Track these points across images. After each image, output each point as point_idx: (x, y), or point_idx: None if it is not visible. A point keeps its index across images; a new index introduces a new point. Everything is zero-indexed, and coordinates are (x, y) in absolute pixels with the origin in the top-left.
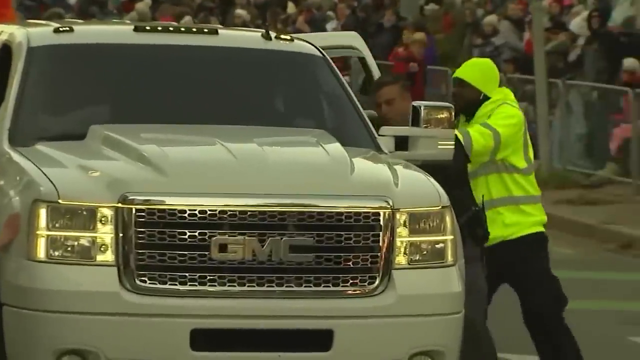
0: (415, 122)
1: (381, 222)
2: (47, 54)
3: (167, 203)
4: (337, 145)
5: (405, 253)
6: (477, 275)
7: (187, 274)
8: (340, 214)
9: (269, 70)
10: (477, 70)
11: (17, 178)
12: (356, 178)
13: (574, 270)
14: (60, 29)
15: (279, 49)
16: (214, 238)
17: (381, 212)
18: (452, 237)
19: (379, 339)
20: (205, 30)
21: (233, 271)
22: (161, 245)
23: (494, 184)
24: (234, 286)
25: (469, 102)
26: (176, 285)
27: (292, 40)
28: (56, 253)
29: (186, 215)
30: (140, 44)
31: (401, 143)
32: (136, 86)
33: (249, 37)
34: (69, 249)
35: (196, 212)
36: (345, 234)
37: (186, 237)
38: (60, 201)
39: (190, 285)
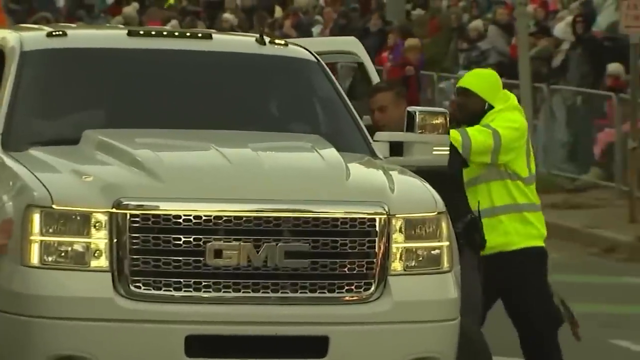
0: (410, 127)
1: (377, 228)
2: (40, 58)
3: (161, 208)
4: (333, 150)
5: (401, 259)
6: (473, 283)
7: (181, 280)
8: (336, 219)
9: (263, 75)
10: (483, 80)
11: (10, 183)
12: (352, 184)
13: (558, 274)
14: (54, 33)
15: (273, 53)
16: (209, 244)
17: (377, 217)
18: (448, 243)
19: (375, 346)
20: (199, 34)
21: (228, 277)
22: (156, 250)
23: (497, 191)
24: (229, 292)
25: (473, 113)
26: (171, 291)
27: (286, 45)
28: (50, 259)
29: (181, 220)
30: (134, 49)
31: (396, 149)
32: (130, 91)
33: (243, 42)
34: (63, 254)
35: (191, 217)
36: (341, 239)
37: (181, 242)
38: (53, 206)
39: (185, 291)
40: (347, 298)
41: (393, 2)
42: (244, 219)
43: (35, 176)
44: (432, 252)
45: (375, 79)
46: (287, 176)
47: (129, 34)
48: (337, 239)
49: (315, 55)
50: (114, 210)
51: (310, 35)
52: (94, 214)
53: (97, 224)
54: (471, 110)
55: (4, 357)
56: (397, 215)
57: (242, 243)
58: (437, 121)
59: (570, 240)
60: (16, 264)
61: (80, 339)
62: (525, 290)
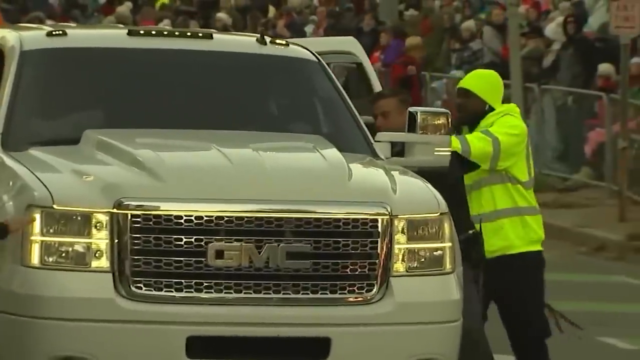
0: (412, 128)
1: (379, 229)
2: (40, 57)
3: (162, 208)
4: (334, 150)
5: (403, 260)
6: (471, 296)
7: (183, 281)
8: (338, 220)
9: (264, 75)
10: (484, 81)
11: (10, 183)
12: (354, 184)
13: (548, 273)
14: (53, 32)
15: (274, 53)
16: (210, 244)
17: (379, 218)
18: (450, 244)
19: (377, 347)
20: (200, 34)
21: (229, 278)
22: (157, 251)
23: (499, 194)
24: (231, 293)
25: (473, 113)
26: (172, 292)
27: (287, 45)
28: (50, 259)
29: (182, 221)
30: (134, 48)
31: (397, 149)
32: (130, 91)
33: (244, 42)
34: (64, 254)
35: (192, 217)
36: (343, 240)
37: (182, 243)
38: (54, 206)
39: (186, 292)
40: (349, 299)
41: (386, 3)
42: (246, 219)
43: (36, 176)
44: (435, 253)
45: (374, 79)
46: (289, 176)
47: (129, 33)
48: (339, 239)
49: (316, 55)
50: (114, 210)
51: (303, 35)
52: (94, 214)
53: (97, 224)
54: (471, 111)
55: (5, 358)
56: (399, 216)
57: (243, 244)
58: (439, 122)
59: (560, 239)
60: (17, 264)
61: (81, 339)
62: (521, 294)
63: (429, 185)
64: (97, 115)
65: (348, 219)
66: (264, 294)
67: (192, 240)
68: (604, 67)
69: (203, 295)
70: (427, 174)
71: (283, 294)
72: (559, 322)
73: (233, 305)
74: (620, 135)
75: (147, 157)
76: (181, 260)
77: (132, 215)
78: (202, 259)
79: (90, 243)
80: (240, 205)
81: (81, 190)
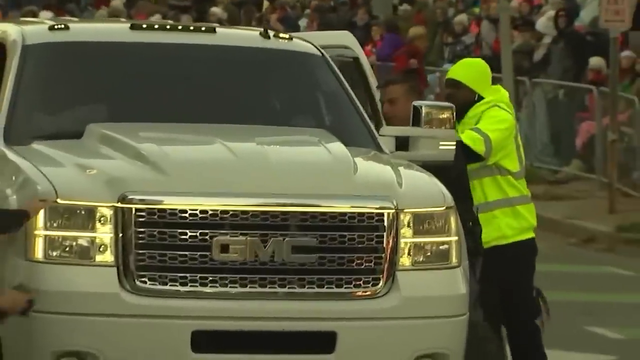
0: (416, 122)
1: (385, 223)
2: (42, 51)
3: (167, 202)
4: (339, 144)
5: (409, 254)
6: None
7: (187, 275)
8: (344, 214)
9: (268, 69)
10: (473, 70)
11: (13, 177)
12: (359, 178)
13: (538, 264)
14: (56, 26)
15: (277, 47)
16: (215, 238)
17: (385, 212)
18: (456, 238)
19: (383, 342)
20: (203, 28)
21: (234, 272)
22: (161, 245)
23: (489, 187)
24: (236, 287)
25: (463, 104)
26: (177, 286)
27: (290, 39)
28: (54, 253)
29: (187, 215)
30: (137, 42)
31: (402, 143)
32: (133, 85)
33: (247, 36)
34: (68, 249)
35: (197, 211)
36: (349, 234)
37: (187, 237)
38: (58, 200)
39: (191, 286)
40: (355, 293)
41: None
42: (251, 213)
43: (39, 170)
44: (441, 247)
45: (370, 73)
46: (294, 170)
47: (132, 27)
48: (344, 233)
49: (320, 49)
50: (119, 204)
51: (297, 29)
52: (99, 208)
53: (102, 218)
54: (462, 101)
55: (10, 353)
56: (405, 210)
57: (248, 238)
58: (443, 116)
59: (551, 231)
60: (20, 258)
61: (85, 334)
62: (514, 280)
63: (435, 179)
64: (100, 109)
65: (354, 212)
66: (269, 288)
67: (197, 234)
68: (595, 61)
69: (208, 289)
70: (431, 167)
71: (288, 288)
72: (547, 307)
73: (238, 300)
74: (610, 128)
75: (151, 151)
76: (186, 255)
77: (137, 210)
78: (207, 253)
79: (95, 237)
80: (245, 199)
81: (85, 184)
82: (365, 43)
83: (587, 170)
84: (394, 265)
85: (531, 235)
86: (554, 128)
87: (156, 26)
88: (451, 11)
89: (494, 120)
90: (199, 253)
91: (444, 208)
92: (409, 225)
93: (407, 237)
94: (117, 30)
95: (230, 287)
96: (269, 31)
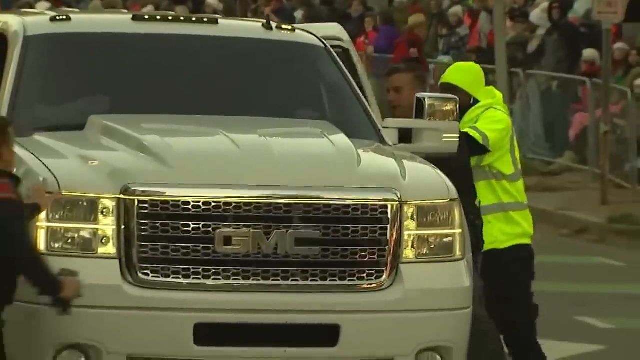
0: (419, 114)
1: (389, 215)
2: (44, 43)
3: (170, 194)
4: (342, 136)
5: (413, 246)
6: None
7: (190, 267)
8: (347, 206)
9: (270, 60)
10: (468, 74)
11: (15, 169)
12: (363, 170)
13: None
14: (57, 17)
15: (280, 39)
16: (218, 230)
17: (389, 204)
18: (460, 230)
19: (386, 334)
20: (205, 19)
21: (237, 264)
22: (164, 237)
23: (484, 191)
24: (239, 280)
25: (460, 108)
26: (179, 278)
27: (293, 30)
28: (57, 245)
29: (190, 206)
30: (139, 34)
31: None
32: (135, 76)
33: (250, 27)
34: (70, 240)
35: (200, 203)
36: (352, 226)
37: (190, 229)
38: (61, 192)
39: (193, 278)
40: (358, 286)
41: None
42: (254, 205)
43: (41, 161)
44: (445, 239)
45: (359, 65)
46: (297, 162)
47: (134, 18)
48: (348, 225)
49: (323, 40)
50: (121, 196)
51: (293, 21)
52: (101, 199)
53: (104, 210)
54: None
55: (12, 345)
56: (409, 202)
57: (251, 230)
58: (447, 108)
59: (544, 222)
60: None
61: (87, 327)
62: (511, 286)
63: (439, 172)
64: (102, 100)
65: (357, 204)
66: (273, 280)
67: (200, 226)
68: (589, 53)
69: (211, 282)
70: (434, 160)
71: (292, 280)
72: None
73: (241, 292)
74: (602, 119)
75: (154, 143)
76: (189, 247)
77: (139, 201)
78: (210, 245)
79: (97, 229)
80: (248, 191)
81: (87, 176)
82: (359, 35)
83: (580, 162)
84: (398, 257)
85: (527, 241)
86: (547, 120)
87: (158, 17)
88: (446, 3)
89: (491, 120)
90: (201, 245)
91: (447, 200)
92: (412, 218)
93: (410, 229)
94: (119, 22)
95: (233, 279)
96: (272, 22)
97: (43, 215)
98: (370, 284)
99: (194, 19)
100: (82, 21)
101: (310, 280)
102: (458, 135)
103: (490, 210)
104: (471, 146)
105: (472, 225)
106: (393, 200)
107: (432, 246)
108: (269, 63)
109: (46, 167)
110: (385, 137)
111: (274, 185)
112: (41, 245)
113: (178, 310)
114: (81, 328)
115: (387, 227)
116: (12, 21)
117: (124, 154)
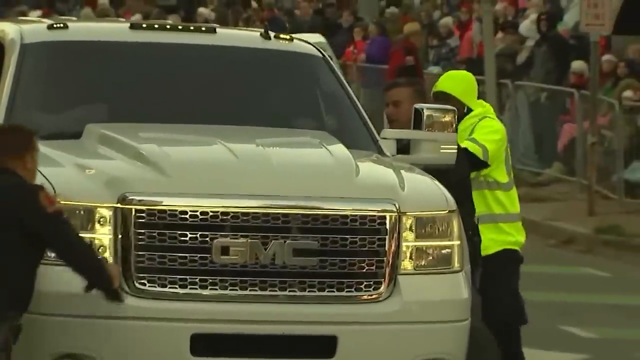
0: (418, 125)
1: (387, 226)
2: (41, 50)
3: (167, 203)
4: (341, 146)
5: (411, 258)
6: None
7: (187, 277)
8: (345, 217)
9: (268, 70)
10: (460, 83)
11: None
12: (361, 180)
13: None
14: (55, 25)
15: (278, 48)
16: (216, 240)
17: (387, 215)
18: (458, 242)
19: (384, 346)
20: (203, 28)
21: (235, 275)
22: (161, 247)
23: (476, 201)
24: (236, 290)
25: None
26: (176, 288)
27: (291, 40)
28: (53, 254)
29: (187, 216)
30: (137, 42)
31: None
32: (132, 85)
33: (248, 37)
34: None
35: (197, 213)
36: (351, 237)
37: (187, 239)
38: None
39: (190, 288)
40: (356, 297)
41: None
42: (252, 215)
43: (38, 170)
44: (443, 251)
45: (340, 74)
46: (295, 172)
47: (132, 27)
48: (346, 236)
49: (321, 50)
50: (119, 205)
51: (285, 30)
52: (98, 208)
53: (101, 219)
54: None
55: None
56: (407, 213)
57: (249, 240)
58: (445, 119)
59: (532, 232)
60: None
61: (84, 337)
62: (493, 289)
63: (438, 183)
64: (99, 109)
65: (355, 215)
66: (270, 291)
67: (197, 236)
68: (577, 64)
69: (208, 292)
70: (433, 171)
71: (289, 291)
72: None
73: (238, 303)
74: (590, 131)
75: (152, 152)
76: (186, 257)
77: (137, 210)
78: (207, 255)
79: (94, 238)
80: (246, 201)
81: (84, 185)
82: (349, 45)
83: (567, 173)
84: (396, 269)
85: (515, 247)
86: (536, 131)
87: (156, 26)
88: (436, 14)
89: (488, 130)
90: (199, 255)
91: (446, 211)
92: (411, 229)
93: (409, 240)
94: (116, 30)
95: (230, 289)
96: (270, 32)
97: None
98: (369, 295)
99: (192, 27)
100: (80, 29)
101: (308, 291)
102: (456, 147)
103: (481, 220)
104: (472, 162)
105: (470, 241)
106: (391, 211)
107: (431, 257)
108: (267, 72)
109: (43, 175)
110: (383, 148)
111: (272, 195)
112: None
113: (175, 321)
114: (78, 338)
115: (385, 238)
116: (9, 29)
117: (121, 162)
